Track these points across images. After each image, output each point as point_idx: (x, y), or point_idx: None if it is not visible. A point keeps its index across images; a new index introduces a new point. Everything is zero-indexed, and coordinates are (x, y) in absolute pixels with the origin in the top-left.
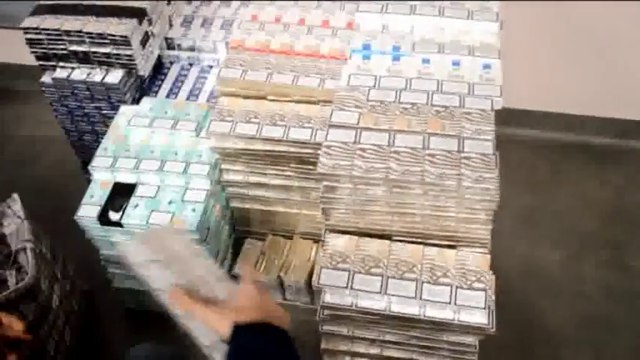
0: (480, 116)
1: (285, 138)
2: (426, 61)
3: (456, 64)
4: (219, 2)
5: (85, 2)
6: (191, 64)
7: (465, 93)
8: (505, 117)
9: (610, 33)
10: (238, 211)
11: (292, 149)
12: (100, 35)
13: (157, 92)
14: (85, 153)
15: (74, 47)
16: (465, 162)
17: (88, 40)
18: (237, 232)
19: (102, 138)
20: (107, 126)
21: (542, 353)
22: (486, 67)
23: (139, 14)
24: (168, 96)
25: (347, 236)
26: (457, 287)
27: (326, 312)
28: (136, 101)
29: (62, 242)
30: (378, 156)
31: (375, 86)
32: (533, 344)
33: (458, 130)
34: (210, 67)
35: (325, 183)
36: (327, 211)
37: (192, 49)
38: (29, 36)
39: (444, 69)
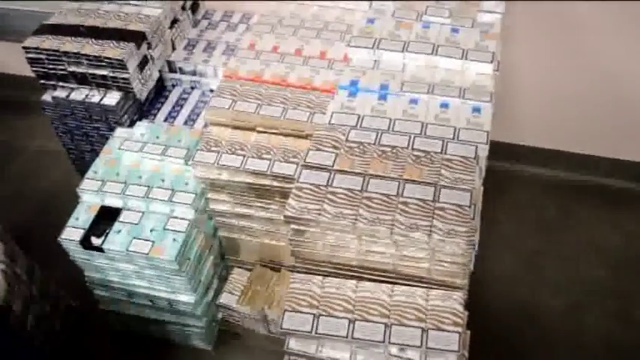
0: (462, 164)
1: (269, 172)
2: (413, 101)
3: (444, 105)
4: (225, 25)
5: (87, 24)
6: (193, 88)
7: (449, 138)
8: (516, 154)
9: (630, 72)
10: (226, 240)
11: (275, 183)
12: (97, 58)
13: (155, 115)
14: (85, 170)
15: (73, 68)
16: (439, 213)
17: (85, 62)
18: (227, 260)
19: None
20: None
21: None
22: (476, 110)
23: (138, 38)
24: (166, 119)
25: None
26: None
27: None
28: (134, 123)
29: (58, 258)
30: (349, 201)
31: (357, 126)
32: None
33: (435, 177)
34: (212, 91)
35: (293, 226)
36: (297, 253)
37: (193, 73)
38: (30, 55)
39: (431, 110)
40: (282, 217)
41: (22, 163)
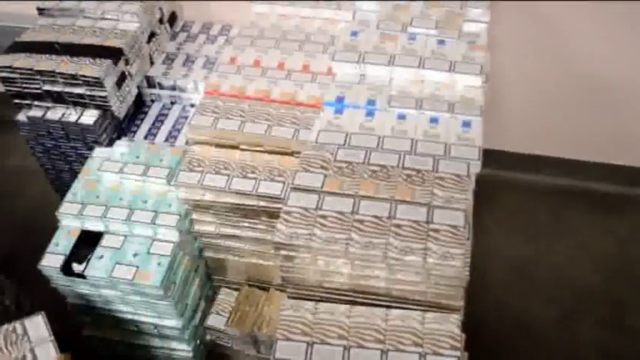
0: (454, 182)
1: (254, 192)
2: (401, 116)
3: (433, 120)
4: (204, 38)
5: (62, 41)
6: (173, 103)
7: (440, 155)
8: (506, 160)
9: (619, 78)
10: (212, 260)
11: (262, 203)
12: (73, 76)
13: (135, 132)
14: (64, 190)
15: (48, 87)
16: (433, 235)
17: (61, 80)
18: (213, 279)
19: None
20: (84, 165)
21: None
22: (466, 124)
23: (115, 54)
24: (146, 137)
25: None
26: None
27: None
28: (113, 141)
29: (38, 281)
30: (340, 225)
31: (345, 144)
32: None
33: (428, 197)
34: (192, 105)
35: (283, 252)
36: (288, 279)
37: (173, 88)
38: (3, 74)
39: (420, 126)
40: (269, 237)
41: None
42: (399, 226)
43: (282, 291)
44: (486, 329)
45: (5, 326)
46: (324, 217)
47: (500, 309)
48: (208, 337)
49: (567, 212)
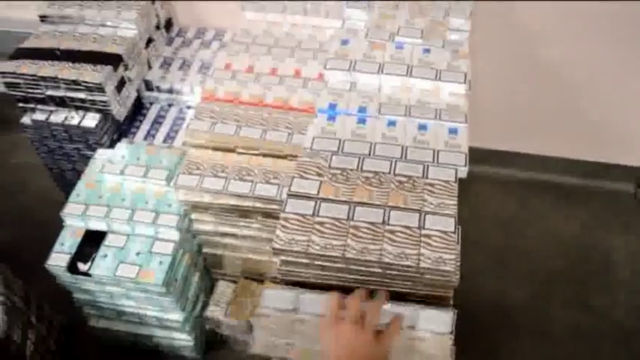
0: (444, 188)
1: (251, 194)
2: (391, 123)
3: (422, 127)
4: (198, 43)
5: (62, 48)
6: (170, 105)
7: (429, 161)
8: (478, 156)
9: (581, 83)
10: (210, 256)
11: (258, 204)
12: (75, 82)
13: (135, 133)
14: (69, 188)
15: (51, 92)
16: (425, 240)
17: (63, 85)
18: (212, 273)
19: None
20: (87, 165)
21: None
22: (452, 132)
23: (115, 60)
24: (146, 137)
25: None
26: None
27: None
28: (115, 142)
29: (43, 275)
30: (337, 231)
31: (338, 151)
32: None
33: (420, 203)
34: (189, 107)
35: (282, 258)
36: (286, 280)
37: (170, 91)
38: (7, 80)
39: (409, 133)
40: (264, 235)
41: (1, 179)
42: (392, 232)
43: (276, 282)
44: (465, 315)
45: None
46: (321, 223)
47: (477, 294)
48: (207, 327)
49: (534, 202)
